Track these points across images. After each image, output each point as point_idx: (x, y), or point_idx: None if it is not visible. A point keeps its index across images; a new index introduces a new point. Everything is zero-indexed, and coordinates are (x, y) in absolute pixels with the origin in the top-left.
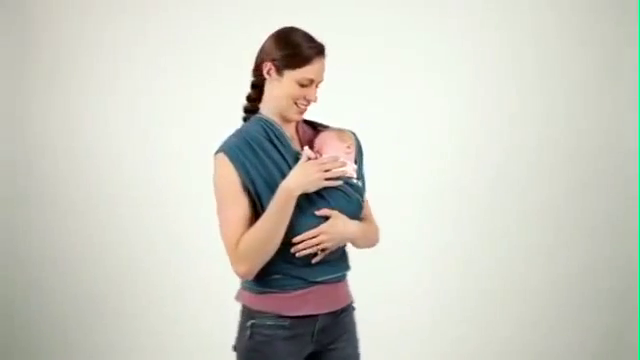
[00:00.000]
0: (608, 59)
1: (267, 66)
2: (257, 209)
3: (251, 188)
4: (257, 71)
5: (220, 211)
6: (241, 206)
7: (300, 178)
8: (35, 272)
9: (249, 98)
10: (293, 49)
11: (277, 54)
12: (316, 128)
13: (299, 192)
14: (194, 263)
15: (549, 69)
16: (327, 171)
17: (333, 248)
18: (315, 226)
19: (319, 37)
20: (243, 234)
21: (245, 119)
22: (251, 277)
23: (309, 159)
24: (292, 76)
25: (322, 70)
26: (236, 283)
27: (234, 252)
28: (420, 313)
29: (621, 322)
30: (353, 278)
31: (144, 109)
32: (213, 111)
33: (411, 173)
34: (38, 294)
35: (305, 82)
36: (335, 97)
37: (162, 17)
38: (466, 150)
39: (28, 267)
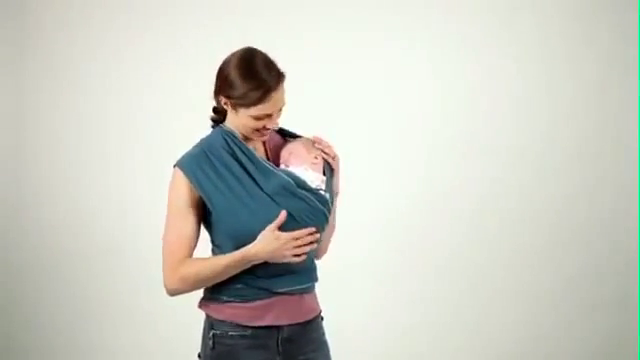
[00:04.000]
0: (611, 60)
1: (222, 100)
2: (211, 219)
3: (206, 201)
4: (216, 98)
5: (166, 223)
6: (186, 223)
7: (268, 251)
8: (29, 272)
9: (215, 110)
10: (249, 84)
11: (230, 93)
12: (284, 136)
13: (261, 260)
14: None
15: (551, 70)
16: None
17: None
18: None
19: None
20: (185, 252)
21: (214, 125)
22: (173, 296)
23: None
24: (248, 112)
25: (282, 97)
26: None
27: (173, 270)
28: (418, 316)
29: (621, 324)
30: (345, 282)
31: (143, 110)
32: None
33: (411, 174)
34: (33, 293)
35: (262, 117)
36: (334, 97)
37: (162, 18)
38: (467, 151)
39: (23, 268)
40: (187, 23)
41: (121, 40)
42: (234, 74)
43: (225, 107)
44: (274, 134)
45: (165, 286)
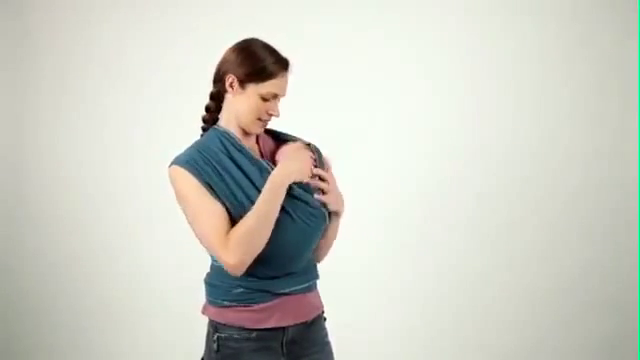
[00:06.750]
0: (611, 60)
1: (230, 79)
2: None
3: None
4: (218, 82)
5: (195, 216)
6: (213, 204)
7: (289, 165)
8: (28, 273)
9: (208, 109)
10: (258, 63)
11: (241, 68)
12: (278, 139)
13: (290, 180)
14: (185, 268)
15: (550, 70)
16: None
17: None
18: (284, 242)
19: (311, 39)
20: (227, 227)
21: (204, 129)
22: (242, 271)
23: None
24: (256, 90)
25: (286, 85)
26: None
27: (224, 245)
28: (418, 316)
29: (622, 324)
30: (345, 283)
31: (143, 111)
32: None
33: (411, 174)
34: (33, 294)
35: (268, 97)
36: (332, 98)
37: (162, 18)
38: (466, 152)
39: (22, 269)
40: (188, 23)
41: (121, 40)
42: (257, 49)
43: (230, 89)
44: (268, 139)
45: (227, 266)
